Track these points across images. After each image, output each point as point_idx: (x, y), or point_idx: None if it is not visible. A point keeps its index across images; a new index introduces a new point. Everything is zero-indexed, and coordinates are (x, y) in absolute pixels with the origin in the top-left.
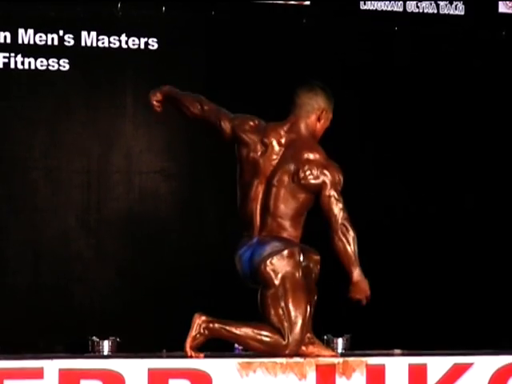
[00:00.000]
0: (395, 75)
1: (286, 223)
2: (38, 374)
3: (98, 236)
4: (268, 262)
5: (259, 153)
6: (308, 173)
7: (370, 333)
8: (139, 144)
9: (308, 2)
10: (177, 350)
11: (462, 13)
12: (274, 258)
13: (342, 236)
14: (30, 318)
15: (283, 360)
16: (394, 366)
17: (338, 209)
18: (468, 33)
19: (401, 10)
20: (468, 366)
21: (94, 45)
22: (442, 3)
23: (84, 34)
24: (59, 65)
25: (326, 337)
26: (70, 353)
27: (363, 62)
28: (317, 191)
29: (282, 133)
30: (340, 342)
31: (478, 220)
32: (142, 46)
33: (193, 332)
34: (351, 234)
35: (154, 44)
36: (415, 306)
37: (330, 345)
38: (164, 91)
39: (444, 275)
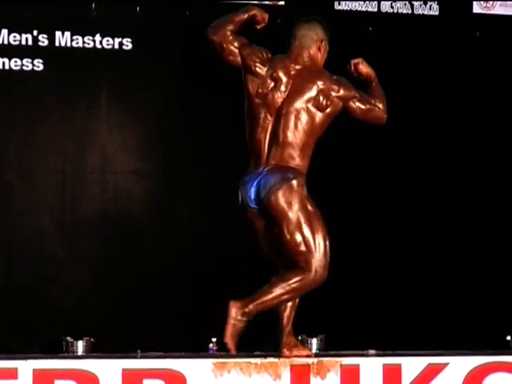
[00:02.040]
0: None
1: (294, 153)
2: (12, 374)
3: (73, 236)
4: (278, 193)
5: (269, 87)
6: (326, 102)
7: (345, 333)
8: (113, 144)
9: (282, 2)
10: (151, 350)
11: (437, 13)
12: (284, 189)
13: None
14: (4, 318)
15: (257, 360)
16: (369, 366)
17: (368, 105)
18: (442, 33)
19: (375, 10)
20: (443, 366)
21: (69, 45)
22: (416, 3)
23: (58, 34)
24: (33, 65)
25: (300, 337)
26: (45, 353)
27: (338, 62)
28: (343, 110)
29: (289, 65)
30: (314, 342)
31: (454, 222)
32: (117, 46)
33: (231, 321)
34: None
35: (128, 44)
36: (390, 306)
37: (304, 345)
38: None
39: (418, 275)
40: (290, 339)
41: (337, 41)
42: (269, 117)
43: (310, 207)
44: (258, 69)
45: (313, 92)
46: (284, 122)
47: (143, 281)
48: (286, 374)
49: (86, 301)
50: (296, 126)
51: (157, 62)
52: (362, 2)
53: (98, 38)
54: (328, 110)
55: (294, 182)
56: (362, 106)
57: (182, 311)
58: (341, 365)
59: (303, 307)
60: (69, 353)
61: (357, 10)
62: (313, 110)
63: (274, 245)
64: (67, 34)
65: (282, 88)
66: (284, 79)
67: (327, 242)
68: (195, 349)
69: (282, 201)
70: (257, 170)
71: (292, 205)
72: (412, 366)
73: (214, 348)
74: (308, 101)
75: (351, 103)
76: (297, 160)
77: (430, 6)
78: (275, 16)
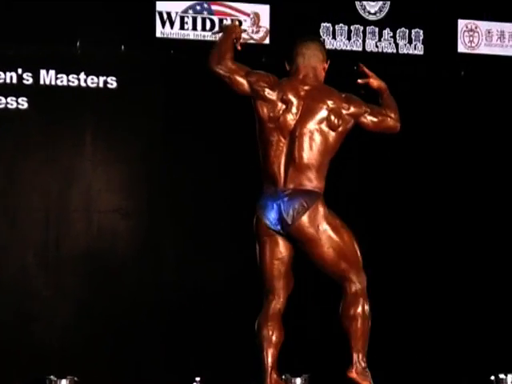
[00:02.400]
0: None
1: (311, 175)
2: None
3: (57, 274)
4: (304, 220)
5: (281, 110)
6: (338, 121)
7: (329, 372)
8: (98, 182)
9: (267, 41)
10: None
11: (422, 53)
12: (308, 215)
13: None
14: None
15: None
16: None
17: (380, 116)
18: (427, 73)
19: (360, 49)
20: None
21: (53, 83)
22: (401, 43)
23: (43, 72)
24: (18, 103)
25: (284, 376)
26: None
27: None
28: (355, 126)
29: (298, 86)
30: (298, 381)
31: (435, 259)
32: (101, 85)
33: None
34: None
35: (113, 83)
36: (374, 346)
37: None
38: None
39: (401, 316)
40: (274, 379)
41: None
42: (282, 139)
43: (335, 222)
44: (267, 94)
45: (324, 112)
46: (298, 143)
47: (127, 318)
48: None
49: (69, 339)
50: (311, 147)
51: (142, 100)
52: (346, 41)
53: (82, 76)
54: (340, 129)
55: (316, 206)
56: (374, 119)
57: (167, 349)
58: None
59: (287, 346)
60: None
61: (341, 49)
62: (325, 129)
63: (311, 258)
64: (52, 72)
65: (294, 110)
66: (295, 101)
67: (357, 246)
68: (182, 382)
69: (309, 226)
70: (275, 193)
71: (320, 227)
72: None
73: (198, 380)
74: (320, 121)
75: (362, 118)
76: (314, 182)
77: (415, 45)
78: (260, 55)
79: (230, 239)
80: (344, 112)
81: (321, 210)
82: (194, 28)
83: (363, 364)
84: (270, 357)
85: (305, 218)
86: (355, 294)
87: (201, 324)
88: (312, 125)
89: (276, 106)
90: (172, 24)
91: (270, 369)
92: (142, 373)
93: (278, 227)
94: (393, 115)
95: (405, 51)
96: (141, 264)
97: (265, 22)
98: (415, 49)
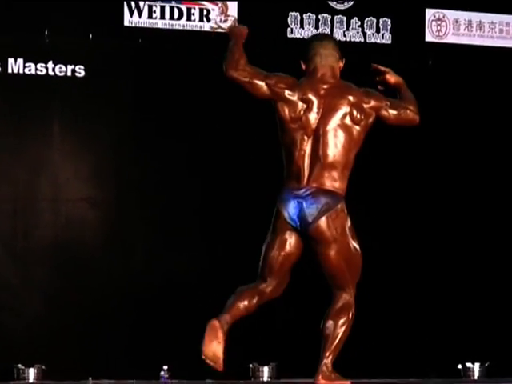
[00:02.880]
0: None
1: (336, 174)
2: None
3: (25, 263)
4: (325, 221)
5: (302, 111)
6: (360, 115)
7: (296, 361)
8: (66, 172)
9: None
10: (103, 378)
11: (389, 42)
12: (329, 216)
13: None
14: None
15: None
16: None
17: (401, 109)
18: (395, 62)
19: None
20: None
21: (21, 72)
22: (368, 32)
23: (11, 61)
24: None
25: (251, 365)
26: None
27: None
28: (377, 121)
29: (318, 86)
30: (266, 370)
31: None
32: (69, 74)
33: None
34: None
35: (81, 72)
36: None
37: (255, 373)
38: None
39: (368, 304)
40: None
41: (289, 69)
42: (306, 139)
43: (352, 232)
44: (287, 95)
45: (346, 108)
46: (323, 142)
47: (95, 308)
48: None
49: (37, 328)
50: (336, 145)
51: (110, 89)
52: (314, 31)
53: (50, 65)
54: (363, 123)
55: (338, 208)
56: (395, 112)
57: (135, 339)
58: None
59: (255, 336)
60: (20, 380)
61: None
62: (349, 124)
63: (320, 261)
64: (20, 61)
65: (315, 109)
66: (315, 100)
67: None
68: (147, 376)
69: (328, 228)
70: (298, 190)
71: (338, 232)
72: None
73: (166, 375)
74: (343, 117)
75: (383, 111)
76: (338, 182)
77: (383, 34)
78: (228, 44)
79: (198, 230)
80: (365, 106)
81: (342, 214)
82: (162, 17)
83: (330, 367)
84: (234, 310)
85: (326, 219)
86: (347, 304)
87: (169, 314)
88: (335, 122)
89: (297, 107)
90: (140, 13)
91: (225, 316)
92: (110, 362)
93: (297, 223)
94: (412, 107)
95: (372, 40)
96: (109, 253)
97: (233, 11)
98: (383, 38)
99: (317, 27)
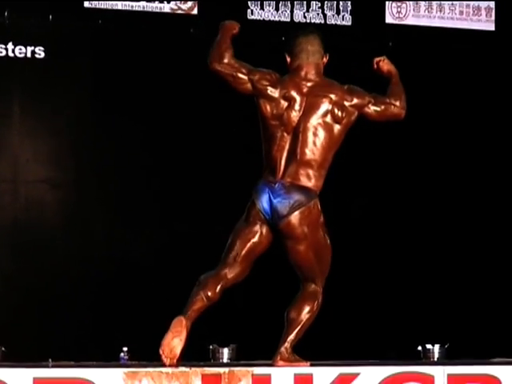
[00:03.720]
0: None
1: (311, 172)
2: None
3: None
4: (296, 217)
5: (284, 107)
6: (342, 113)
7: (256, 343)
8: (25, 153)
9: (195, 12)
10: (62, 360)
11: (349, 23)
12: (301, 212)
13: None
14: None
15: (169, 370)
16: (280, 375)
17: (383, 105)
18: (355, 43)
19: (288, 20)
20: (354, 376)
21: None
22: (329, 13)
23: None
24: None
25: (211, 346)
26: None
27: None
28: (359, 117)
29: (300, 83)
30: (226, 351)
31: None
32: (29, 55)
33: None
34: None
35: (40, 53)
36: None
37: (215, 355)
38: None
39: (330, 284)
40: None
41: (249, 50)
42: (286, 135)
43: (323, 229)
44: (269, 92)
45: (327, 106)
46: (302, 139)
47: (54, 290)
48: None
49: None
50: (314, 143)
51: (70, 70)
52: (274, 12)
53: (10, 46)
54: (344, 121)
55: (311, 205)
56: (378, 109)
57: (94, 320)
58: (252, 374)
59: (214, 317)
60: None
61: (270, 20)
62: (330, 123)
63: (289, 255)
64: None
65: (297, 107)
66: (297, 98)
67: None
68: (106, 358)
69: (300, 224)
70: (272, 182)
71: (309, 228)
72: (323, 375)
73: (126, 357)
74: (324, 115)
75: (366, 109)
76: (313, 180)
77: (343, 16)
78: (188, 25)
79: (158, 212)
80: (347, 104)
81: (315, 211)
82: None
83: (289, 350)
84: (199, 303)
85: (297, 215)
86: (314, 293)
87: (128, 296)
88: (315, 120)
89: (279, 104)
90: None
91: (191, 312)
92: (69, 344)
93: (269, 216)
94: (398, 103)
95: (333, 22)
96: (68, 235)
97: None
98: (343, 19)
99: (277, 9)
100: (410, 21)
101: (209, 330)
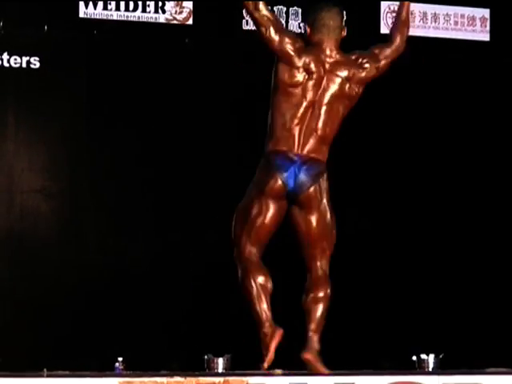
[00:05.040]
0: None
1: (324, 146)
2: None
3: None
4: (314, 189)
5: (303, 79)
6: (357, 89)
7: (251, 353)
8: (20, 163)
9: (190, 22)
10: (57, 369)
11: (344, 34)
12: (318, 184)
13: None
14: None
15: (164, 379)
16: None
17: (390, 52)
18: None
19: None
20: None
21: None
22: None
23: None
24: None
25: (206, 356)
26: None
27: (245, 82)
28: (377, 74)
29: (322, 58)
30: (220, 361)
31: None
32: (24, 65)
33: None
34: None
35: (36, 63)
36: (295, 325)
37: (210, 365)
38: None
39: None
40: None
41: (244, 61)
42: (304, 108)
43: (330, 202)
44: (294, 60)
45: (344, 84)
46: (320, 114)
47: (49, 299)
48: None
49: None
50: (331, 119)
51: (64, 81)
52: None
53: (5, 56)
54: (358, 93)
55: (324, 176)
56: (387, 61)
57: (89, 330)
58: None
59: (209, 327)
60: None
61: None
62: (344, 100)
63: (303, 226)
64: None
65: (317, 81)
66: (319, 72)
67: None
68: (101, 367)
69: (316, 194)
70: (292, 156)
71: (323, 200)
72: None
73: (121, 367)
74: (340, 93)
75: (378, 71)
76: (324, 153)
77: None
78: (183, 36)
79: (152, 221)
80: (362, 76)
81: (325, 183)
82: (118, 9)
83: (318, 347)
84: (265, 303)
85: (316, 187)
86: (322, 277)
87: (123, 305)
88: (333, 97)
89: (299, 73)
90: (95, 4)
91: (266, 316)
92: (64, 353)
93: (292, 189)
94: (398, 41)
95: None
96: (63, 245)
97: (188, 2)
98: None
99: None
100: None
101: (204, 340)
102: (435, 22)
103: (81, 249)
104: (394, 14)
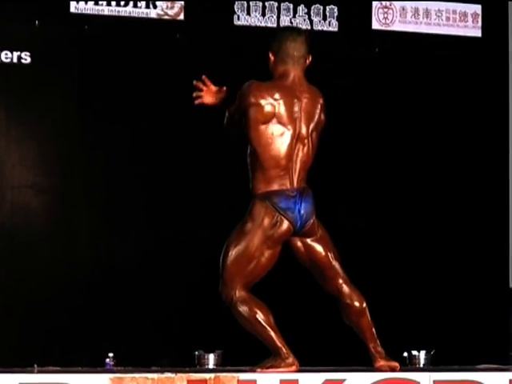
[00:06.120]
0: None
1: (305, 175)
2: None
3: None
4: (314, 218)
5: (283, 113)
6: (323, 118)
7: (242, 349)
8: (11, 158)
9: (182, 18)
10: (48, 365)
11: (336, 29)
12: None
13: None
14: None
15: (154, 375)
16: (266, 381)
17: None
18: (341, 49)
19: (274, 25)
20: (340, 382)
21: None
22: (315, 19)
23: None
24: None
25: (197, 352)
26: None
27: (237, 77)
28: None
29: (293, 89)
30: (211, 357)
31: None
32: (15, 60)
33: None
34: None
35: (27, 58)
36: (287, 321)
37: (201, 361)
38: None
39: (311, 289)
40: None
41: (236, 56)
42: (288, 142)
43: None
44: (266, 108)
45: (317, 111)
46: (304, 145)
47: (40, 295)
48: None
49: None
50: (313, 146)
51: (56, 76)
52: (261, 18)
53: None
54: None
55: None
56: None
57: (80, 325)
58: (238, 380)
59: (200, 323)
60: None
61: (256, 26)
62: (318, 127)
63: (313, 254)
64: None
65: (296, 113)
66: (295, 104)
67: None
68: (92, 363)
69: (315, 221)
70: (291, 192)
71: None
72: (309, 381)
73: (111, 363)
74: (316, 120)
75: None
76: (305, 180)
77: (330, 22)
78: (175, 31)
79: (144, 217)
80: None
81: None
82: (109, 4)
83: (381, 350)
84: (277, 334)
85: (314, 216)
86: (351, 289)
87: (114, 301)
88: (311, 127)
89: (276, 110)
90: None
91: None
92: (54, 349)
93: (298, 225)
94: None
95: (319, 28)
96: (54, 241)
97: None
98: (330, 25)
99: (263, 14)
100: (397, 27)
101: (194, 336)
102: (427, 17)
103: (72, 244)
104: (386, 10)
